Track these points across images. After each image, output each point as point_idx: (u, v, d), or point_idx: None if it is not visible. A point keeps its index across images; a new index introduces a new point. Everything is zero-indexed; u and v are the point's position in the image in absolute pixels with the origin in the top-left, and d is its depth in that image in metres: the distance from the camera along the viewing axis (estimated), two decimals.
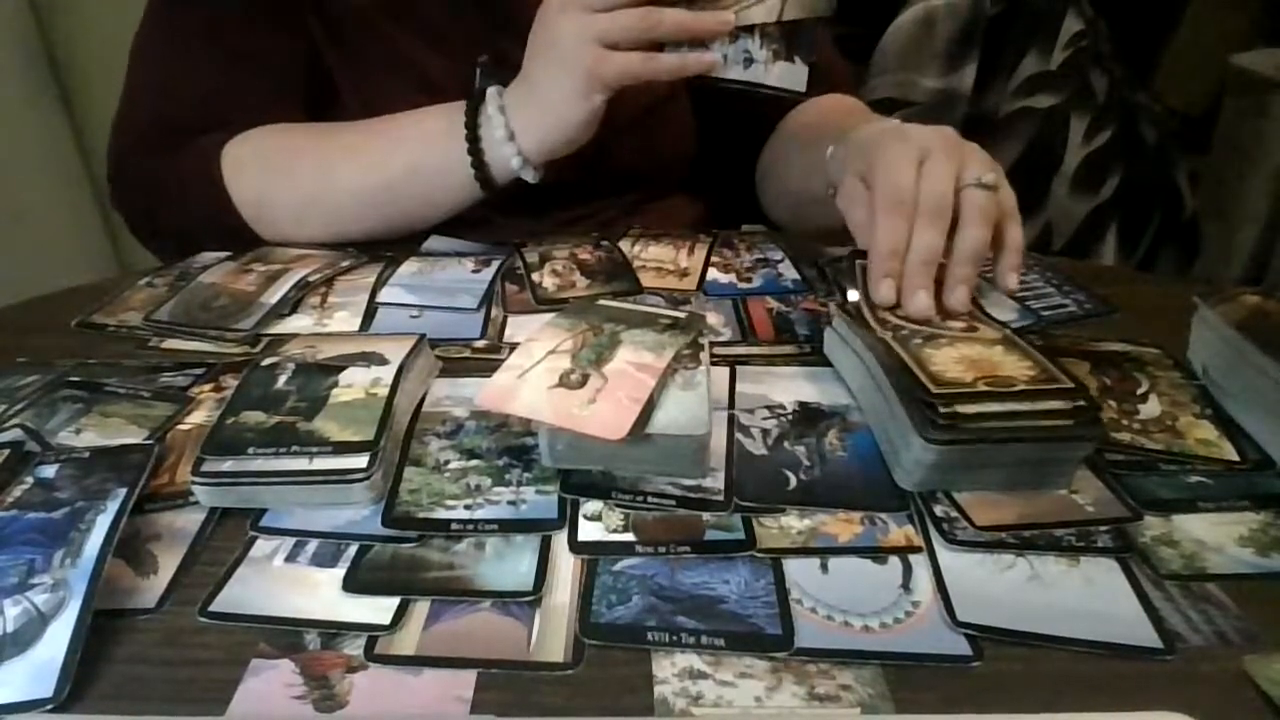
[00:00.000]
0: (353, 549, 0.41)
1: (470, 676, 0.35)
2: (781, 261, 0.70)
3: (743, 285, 0.67)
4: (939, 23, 1.13)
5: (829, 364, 0.54)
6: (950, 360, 0.45)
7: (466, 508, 0.43)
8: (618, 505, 0.43)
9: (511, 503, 0.44)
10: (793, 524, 0.43)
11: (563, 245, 0.71)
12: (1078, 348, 0.56)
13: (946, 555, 0.41)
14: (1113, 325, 0.61)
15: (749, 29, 0.58)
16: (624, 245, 0.72)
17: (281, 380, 0.49)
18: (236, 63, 0.72)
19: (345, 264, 0.68)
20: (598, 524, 0.43)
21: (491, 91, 0.65)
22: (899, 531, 0.42)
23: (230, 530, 0.43)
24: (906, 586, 0.39)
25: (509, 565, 0.40)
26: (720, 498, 0.44)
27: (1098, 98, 1.15)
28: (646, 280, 0.67)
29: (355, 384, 0.48)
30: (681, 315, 0.52)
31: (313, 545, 0.42)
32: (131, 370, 0.56)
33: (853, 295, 0.54)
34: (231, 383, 0.52)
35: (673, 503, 0.44)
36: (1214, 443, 0.48)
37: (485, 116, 0.65)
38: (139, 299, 0.65)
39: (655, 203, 0.85)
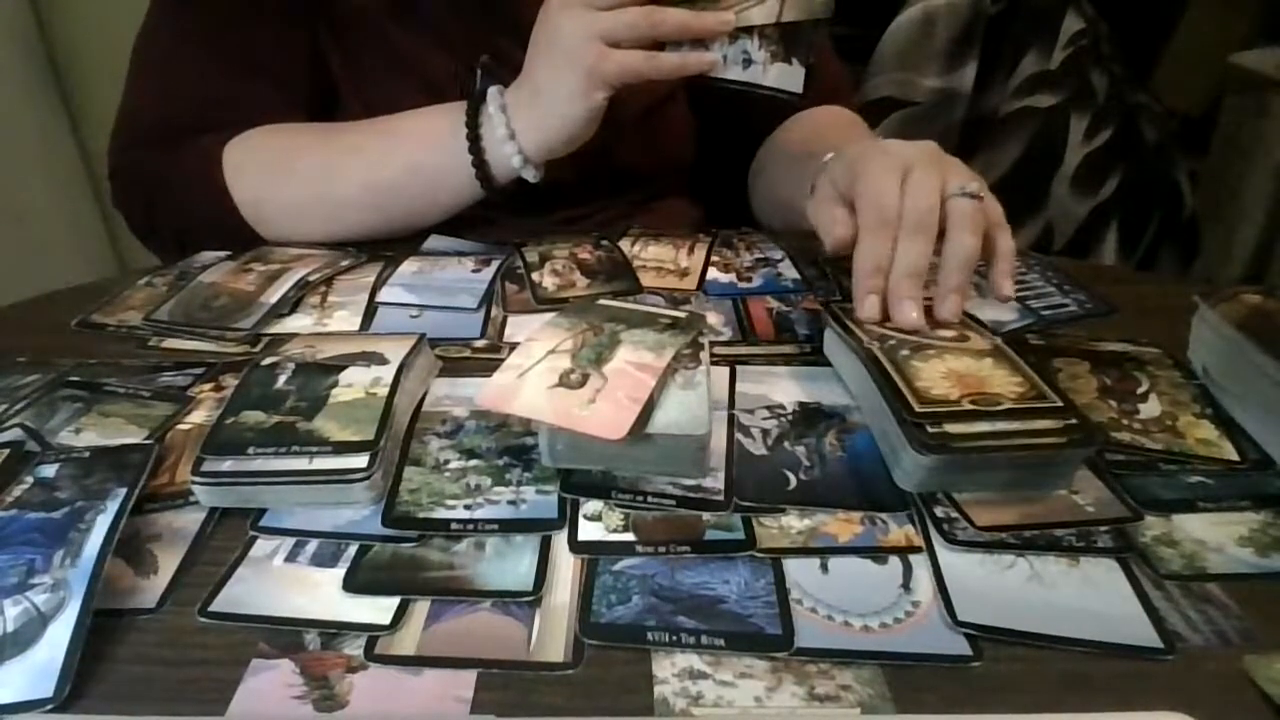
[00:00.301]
0: (353, 549, 0.41)
1: (470, 676, 0.35)
2: (781, 261, 0.70)
3: (743, 285, 0.67)
4: (939, 22, 1.13)
5: (829, 364, 0.54)
6: (937, 375, 0.45)
7: (466, 507, 0.43)
8: (618, 505, 0.43)
9: (511, 502, 0.44)
10: (793, 524, 0.42)
11: (563, 245, 0.71)
12: (1078, 347, 0.56)
13: (947, 555, 0.41)
14: (1113, 325, 0.61)
15: (748, 30, 0.58)
16: (624, 245, 0.72)
17: (281, 380, 0.49)
18: (238, 63, 0.72)
19: (345, 263, 0.68)
20: (598, 524, 0.43)
21: (492, 91, 0.65)
22: (899, 531, 0.42)
23: (230, 530, 0.43)
24: (906, 586, 0.39)
25: (509, 565, 0.40)
26: (720, 498, 0.44)
27: (1098, 98, 1.15)
28: (646, 280, 0.67)
29: (355, 384, 0.48)
30: (681, 315, 0.52)
31: (313, 545, 0.42)
32: (131, 370, 0.56)
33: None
34: (231, 382, 0.52)
35: (673, 503, 0.44)
36: (1214, 442, 0.48)
37: (486, 116, 0.65)
38: (139, 299, 0.65)
39: (655, 203, 0.85)
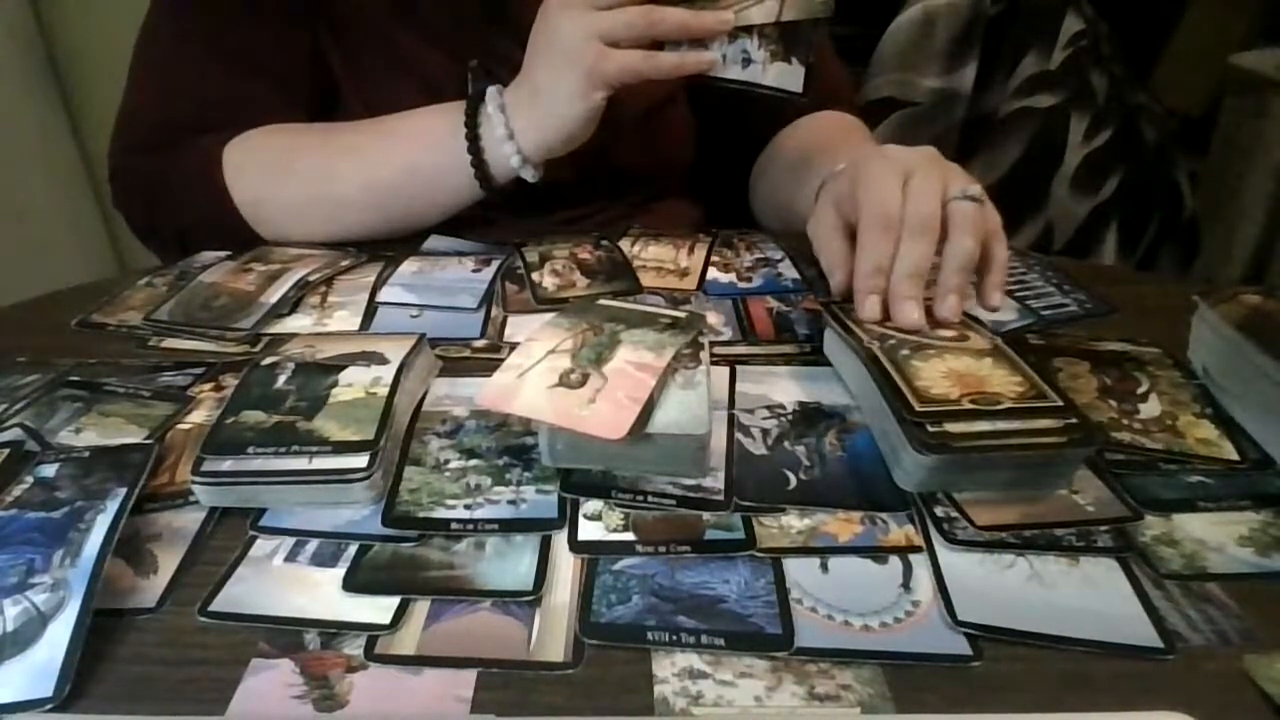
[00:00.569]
0: (353, 549, 0.41)
1: (470, 676, 0.35)
2: (781, 261, 0.70)
3: (743, 285, 0.67)
4: (939, 23, 1.13)
5: (829, 364, 0.54)
6: (937, 375, 0.45)
7: (466, 507, 0.43)
8: (618, 505, 0.43)
9: (511, 502, 0.44)
10: (793, 524, 0.42)
11: (563, 245, 0.71)
12: (1078, 347, 0.56)
13: (947, 555, 0.41)
14: (1113, 325, 0.61)
15: (747, 29, 0.58)
16: (624, 245, 0.72)
17: (281, 380, 0.49)
18: (238, 63, 0.72)
19: (345, 263, 0.68)
20: (598, 523, 0.43)
21: (491, 91, 0.65)
22: (899, 531, 0.42)
23: (230, 530, 0.43)
24: (906, 586, 0.39)
25: (509, 565, 0.40)
26: (720, 497, 0.44)
27: (1098, 98, 1.15)
28: (646, 280, 0.67)
29: (355, 383, 0.48)
30: (681, 315, 0.52)
31: (313, 545, 0.42)
32: (131, 370, 0.56)
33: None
34: (231, 382, 0.52)
35: (673, 502, 0.44)
36: (1214, 442, 0.48)
37: (485, 115, 0.65)
38: (139, 299, 0.65)
39: (655, 204, 0.85)
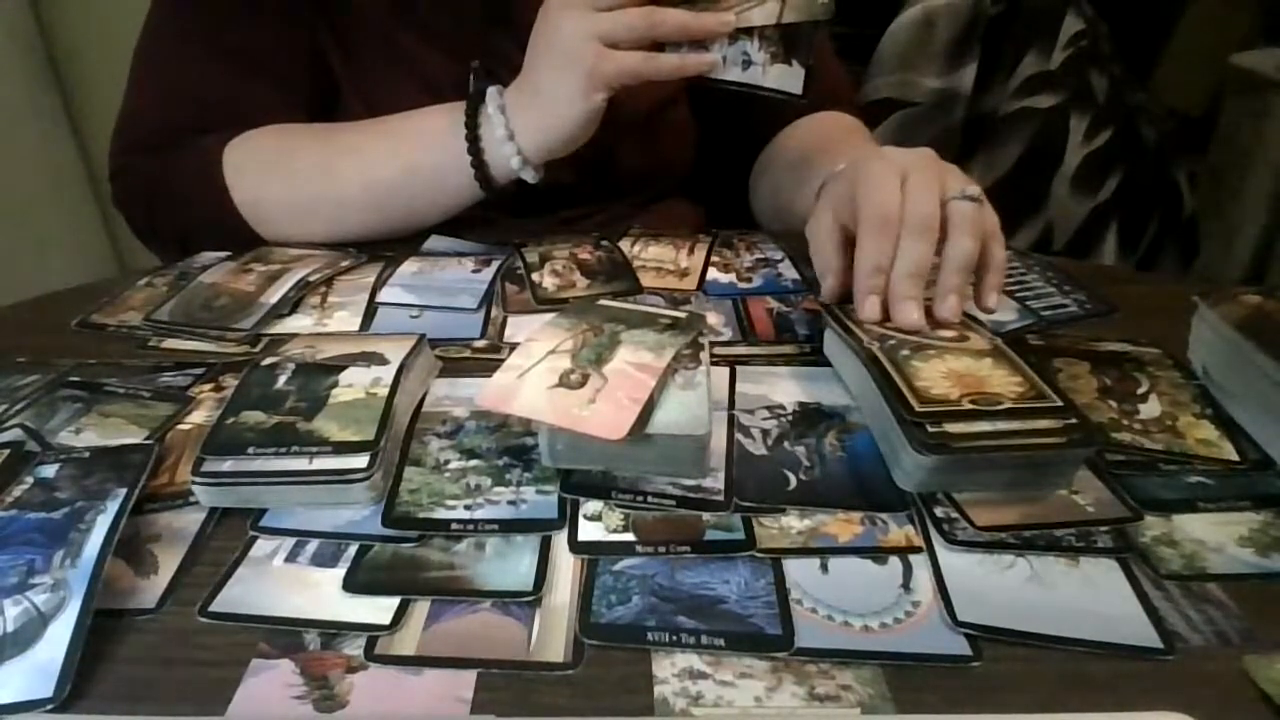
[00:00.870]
0: (353, 549, 0.41)
1: (470, 676, 0.35)
2: (781, 261, 0.70)
3: (743, 285, 0.67)
4: (939, 23, 1.13)
5: (829, 364, 0.54)
6: (937, 375, 0.45)
7: (466, 508, 0.43)
8: (618, 505, 0.43)
9: (511, 503, 0.44)
10: (793, 524, 0.42)
11: (563, 245, 0.71)
12: (1078, 348, 0.56)
13: (947, 555, 0.41)
14: (1113, 325, 0.61)
15: (748, 31, 0.58)
16: (624, 245, 0.72)
17: (281, 380, 0.49)
18: (239, 63, 0.72)
19: (345, 264, 0.68)
20: (598, 524, 0.43)
21: (491, 91, 0.65)
22: (899, 531, 0.42)
23: (230, 530, 0.43)
24: (906, 586, 0.39)
25: (509, 565, 0.40)
26: (720, 498, 0.44)
27: (1098, 98, 1.15)
28: (646, 280, 0.67)
29: (355, 384, 0.48)
30: (681, 315, 0.52)
31: (313, 545, 0.42)
32: (131, 370, 0.56)
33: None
34: (231, 383, 0.52)
35: (673, 503, 0.44)
36: (1214, 443, 0.48)
37: (485, 116, 0.65)
38: (139, 299, 0.65)
39: (655, 205, 0.85)
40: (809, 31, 0.58)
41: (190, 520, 0.43)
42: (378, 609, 0.38)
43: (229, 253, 0.70)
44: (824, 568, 0.40)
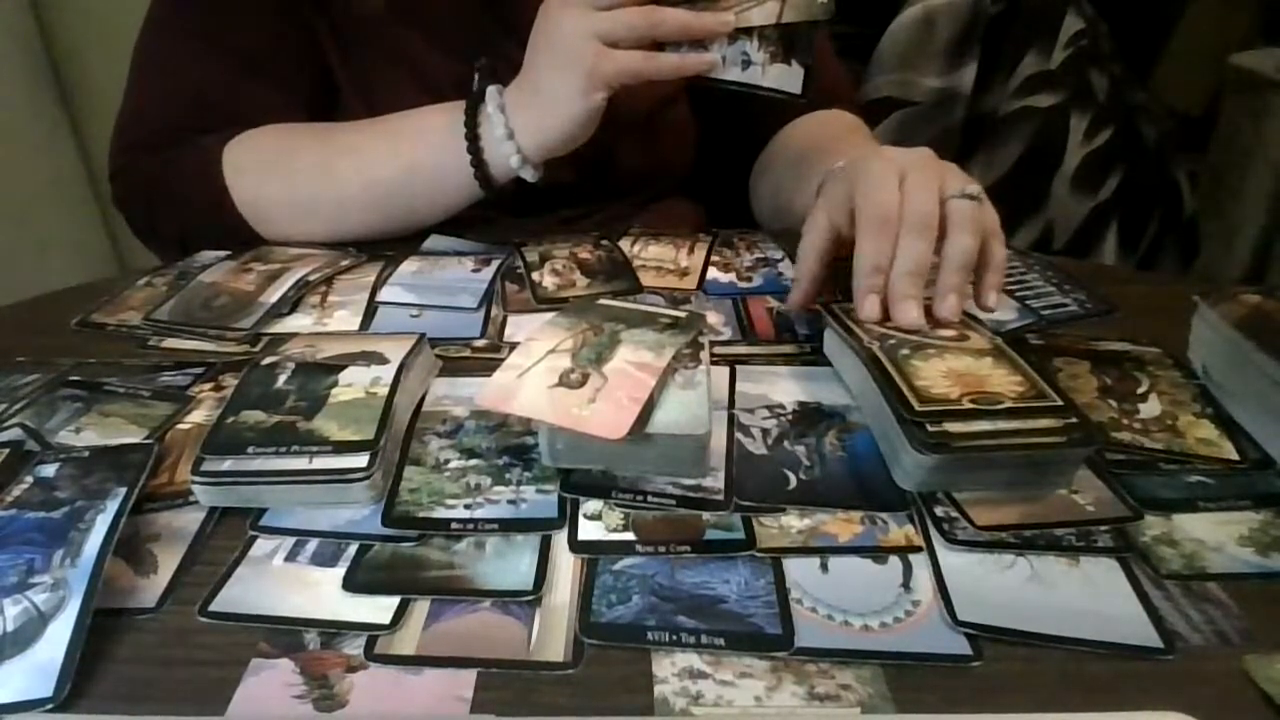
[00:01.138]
0: (353, 548, 0.41)
1: (470, 676, 0.35)
2: (781, 261, 0.70)
3: (743, 285, 0.67)
4: (939, 22, 1.13)
5: (829, 364, 0.54)
6: (937, 374, 0.45)
7: (466, 507, 0.43)
8: (618, 505, 0.43)
9: (511, 502, 0.44)
10: (793, 524, 0.42)
11: (563, 245, 0.71)
12: (1078, 347, 0.56)
13: (947, 555, 0.41)
14: (1113, 325, 0.61)
15: (747, 31, 0.58)
16: (624, 245, 0.72)
17: (281, 379, 0.49)
18: (239, 63, 0.72)
19: (345, 263, 0.68)
20: (598, 523, 0.43)
21: (491, 90, 0.65)
22: (899, 531, 0.42)
23: (230, 530, 0.43)
24: (906, 586, 0.39)
25: (509, 565, 0.40)
26: (720, 497, 0.44)
27: (1098, 97, 1.15)
28: (646, 280, 0.67)
29: (355, 383, 0.48)
30: (681, 315, 0.52)
31: (313, 545, 0.42)
32: (131, 370, 0.56)
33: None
34: (231, 382, 0.52)
35: (673, 502, 0.44)
36: (1214, 442, 0.48)
37: (485, 115, 0.65)
38: (139, 298, 0.65)
39: (655, 204, 0.85)
40: (808, 31, 0.58)
41: (190, 520, 0.43)
42: (378, 608, 0.38)
43: (229, 252, 0.70)
44: (824, 567, 0.40)
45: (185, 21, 0.72)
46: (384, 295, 0.64)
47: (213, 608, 0.38)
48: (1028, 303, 0.64)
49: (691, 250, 0.72)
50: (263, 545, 0.42)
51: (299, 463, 0.43)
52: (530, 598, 0.39)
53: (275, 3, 0.72)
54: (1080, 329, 0.60)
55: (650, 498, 0.44)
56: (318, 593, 0.39)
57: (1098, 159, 1.16)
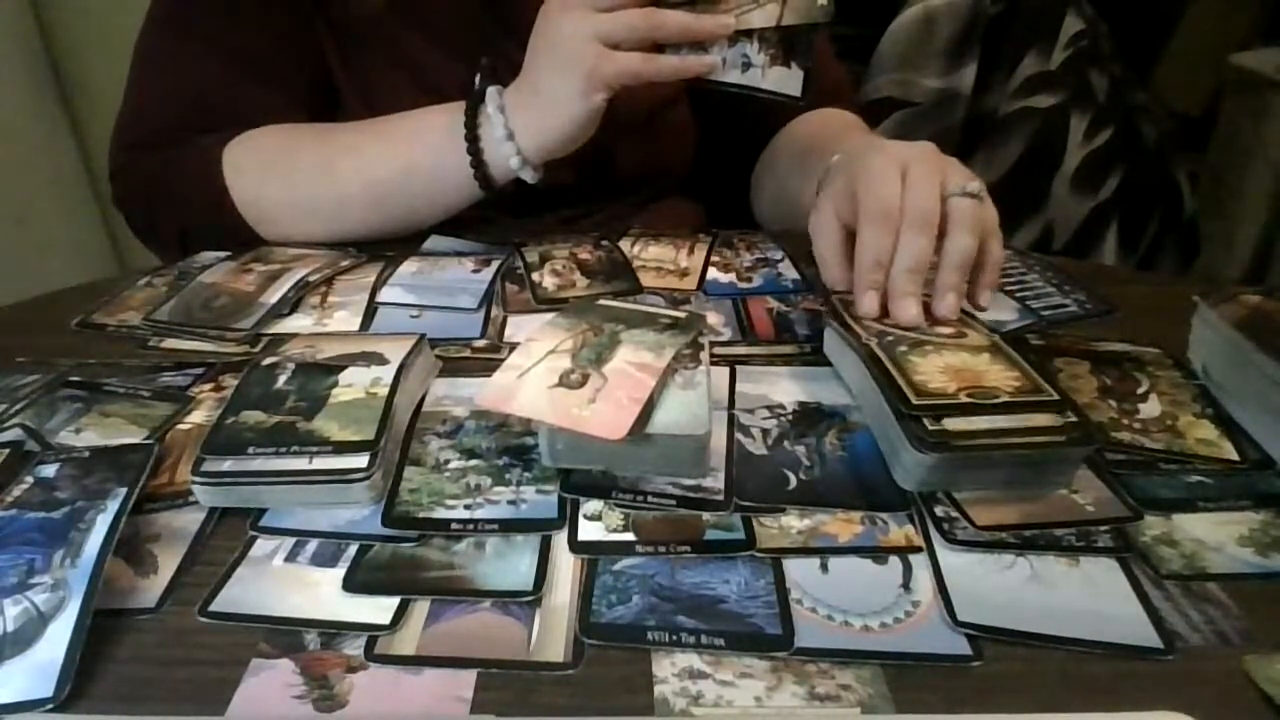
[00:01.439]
0: (353, 549, 0.41)
1: (470, 676, 0.35)
2: (781, 261, 0.70)
3: (743, 285, 0.67)
4: (939, 22, 1.13)
5: (829, 364, 0.54)
6: (935, 369, 0.45)
7: (466, 507, 0.43)
8: (618, 505, 0.43)
9: (511, 502, 0.44)
10: (793, 524, 0.42)
11: (563, 245, 0.71)
12: (1078, 348, 0.56)
13: (947, 555, 0.41)
14: (1113, 325, 0.61)
15: (747, 33, 0.58)
16: (624, 245, 0.72)
17: (281, 380, 0.49)
18: (239, 63, 0.72)
19: (345, 264, 0.68)
20: (598, 524, 0.43)
21: (491, 91, 0.65)
22: (899, 531, 0.42)
23: (230, 530, 0.43)
24: (907, 586, 0.39)
25: (509, 565, 0.40)
26: (720, 498, 0.44)
27: (1098, 98, 1.15)
28: (646, 280, 0.67)
29: (355, 384, 0.48)
30: (681, 315, 0.52)
31: (313, 545, 0.42)
32: (131, 370, 0.56)
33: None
34: (231, 382, 0.52)
35: (673, 503, 0.44)
36: (1214, 442, 0.48)
37: (485, 116, 0.65)
38: (139, 299, 0.65)
39: (654, 204, 0.85)
40: (808, 34, 0.58)
41: (190, 520, 0.43)
42: (378, 609, 0.38)
43: (229, 253, 0.70)
44: (824, 567, 0.40)
45: (185, 21, 0.72)
46: (384, 296, 0.64)
47: (213, 608, 0.38)
48: (1027, 303, 0.64)
49: (691, 250, 0.72)
50: (263, 545, 0.42)
51: (299, 463, 0.43)
52: (530, 598, 0.39)
53: (276, 3, 0.72)
54: (1080, 329, 0.60)
55: (650, 498, 0.44)
56: (318, 593, 0.39)
57: (1098, 159, 1.16)
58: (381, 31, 0.73)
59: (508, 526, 0.42)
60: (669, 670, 0.36)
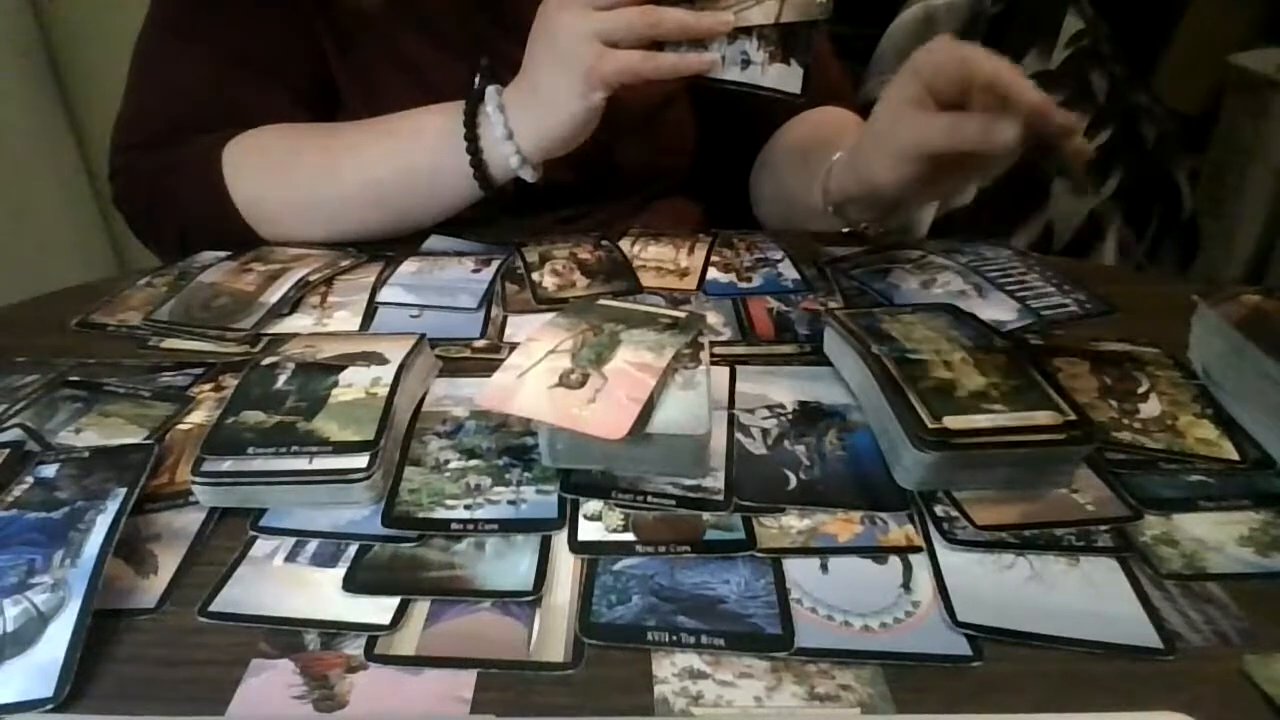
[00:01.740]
0: (353, 549, 0.41)
1: (470, 676, 0.35)
2: (781, 261, 0.70)
3: (743, 285, 0.67)
4: (939, 22, 1.13)
5: (829, 364, 0.54)
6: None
7: (466, 507, 0.43)
8: (618, 505, 0.43)
9: (511, 502, 0.44)
10: (793, 524, 0.42)
11: (563, 245, 0.71)
12: (1078, 348, 0.56)
13: (947, 555, 0.41)
14: (1113, 325, 0.61)
15: (747, 31, 0.58)
16: (624, 245, 0.72)
17: (281, 380, 0.49)
18: (239, 63, 0.72)
19: (345, 263, 0.68)
20: (598, 524, 0.43)
21: (490, 90, 0.65)
22: (899, 531, 0.42)
23: (230, 530, 0.43)
24: (906, 586, 0.39)
25: (509, 565, 0.40)
26: (720, 498, 0.44)
27: (1098, 98, 1.15)
28: (646, 280, 0.66)
29: (355, 384, 0.48)
30: (681, 315, 0.52)
31: (313, 545, 0.42)
32: (131, 370, 0.56)
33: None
34: (231, 382, 0.52)
35: (673, 503, 0.44)
36: (1214, 442, 0.48)
37: (484, 115, 0.65)
38: (139, 299, 0.65)
39: (655, 204, 0.85)
40: (807, 31, 0.58)
41: (190, 520, 0.43)
42: (378, 609, 0.38)
43: (229, 253, 0.70)
44: (824, 567, 0.40)
45: (185, 22, 0.72)
46: (384, 295, 0.64)
47: (213, 608, 0.38)
48: (1027, 303, 0.64)
49: (691, 250, 0.72)
50: (263, 545, 0.42)
51: (299, 463, 0.43)
52: (530, 598, 0.39)
53: (276, 3, 0.71)
54: (1080, 329, 0.60)
55: (650, 498, 0.44)
56: (318, 593, 0.39)
57: (1098, 159, 1.16)
58: (381, 31, 0.73)
59: (508, 526, 0.42)
60: (669, 670, 0.36)
